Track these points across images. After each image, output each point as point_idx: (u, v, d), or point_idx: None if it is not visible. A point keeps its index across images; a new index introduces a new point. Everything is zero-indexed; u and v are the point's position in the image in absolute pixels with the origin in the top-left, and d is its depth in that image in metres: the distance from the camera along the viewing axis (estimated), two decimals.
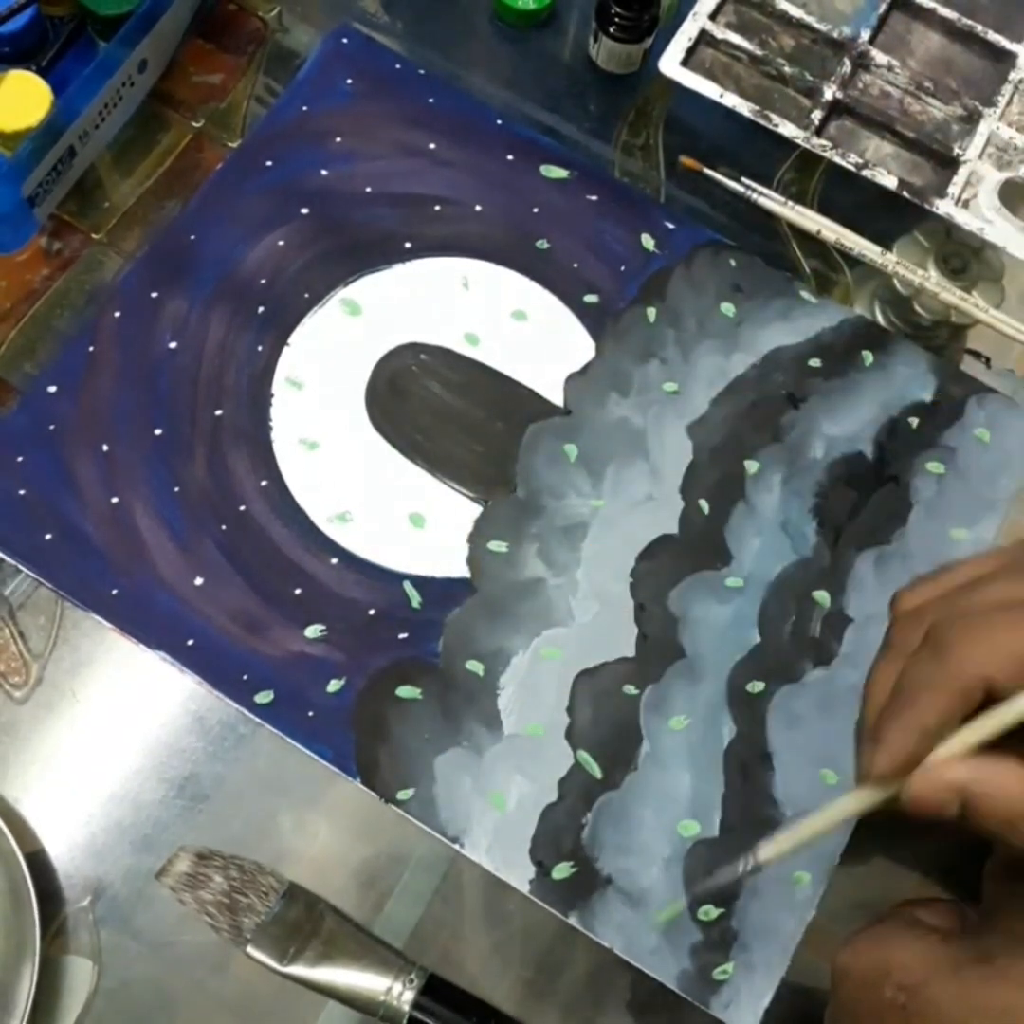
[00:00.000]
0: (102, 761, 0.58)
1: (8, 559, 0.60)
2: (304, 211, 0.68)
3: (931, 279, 0.70)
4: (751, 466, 0.65)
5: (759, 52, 0.73)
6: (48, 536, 0.60)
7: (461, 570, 0.62)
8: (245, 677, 0.59)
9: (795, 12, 0.74)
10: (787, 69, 0.73)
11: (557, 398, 0.66)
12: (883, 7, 0.75)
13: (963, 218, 0.70)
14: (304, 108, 0.70)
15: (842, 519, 0.64)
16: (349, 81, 0.71)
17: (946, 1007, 0.47)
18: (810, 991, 0.57)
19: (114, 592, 0.59)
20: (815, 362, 0.68)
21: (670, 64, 0.72)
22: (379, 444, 0.64)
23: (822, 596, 0.63)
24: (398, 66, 0.72)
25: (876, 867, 0.60)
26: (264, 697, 0.58)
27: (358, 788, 0.57)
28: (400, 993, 0.54)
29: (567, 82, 0.74)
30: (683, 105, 0.73)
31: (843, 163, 0.70)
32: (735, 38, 0.73)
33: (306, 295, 0.66)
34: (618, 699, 0.60)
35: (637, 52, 0.72)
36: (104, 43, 0.67)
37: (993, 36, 0.74)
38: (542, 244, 0.69)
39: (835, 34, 0.74)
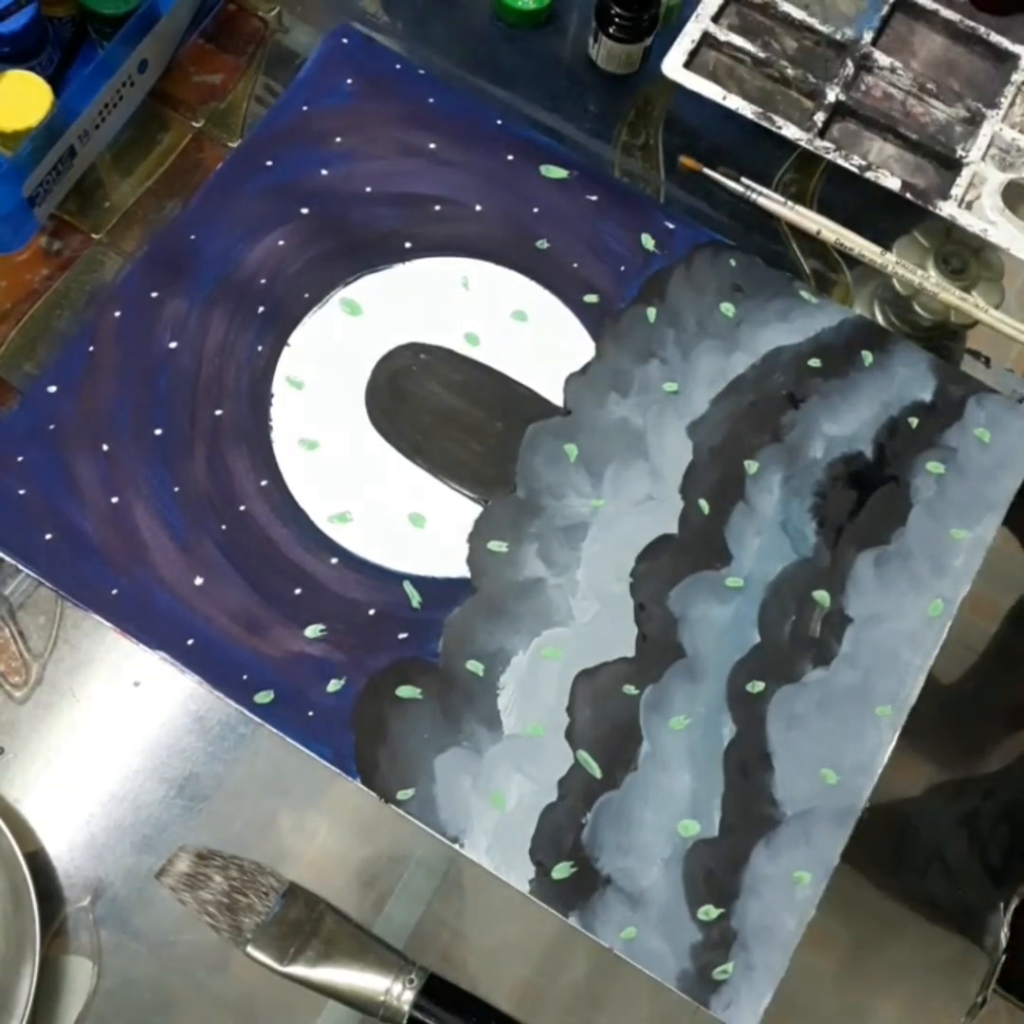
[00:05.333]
0: (102, 761, 0.58)
1: (8, 559, 0.60)
2: (304, 211, 0.68)
3: (931, 279, 0.70)
4: (751, 466, 0.65)
5: (762, 54, 0.73)
6: (48, 536, 0.60)
7: (461, 570, 0.62)
8: (245, 677, 0.59)
9: (798, 14, 0.74)
10: (790, 71, 0.73)
11: (557, 398, 0.66)
12: (885, 9, 0.75)
13: (966, 220, 0.70)
14: (304, 108, 0.70)
15: (842, 519, 0.64)
16: (349, 81, 0.71)
17: None
18: (810, 991, 0.57)
19: (114, 592, 0.59)
20: (815, 362, 0.68)
21: (673, 66, 0.72)
22: (379, 444, 0.64)
23: (822, 596, 0.63)
24: (398, 66, 0.72)
25: (876, 869, 0.60)
26: (264, 697, 0.58)
27: (358, 788, 0.57)
28: (400, 993, 0.54)
29: (567, 82, 0.74)
30: (683, 105, 0.73)
31: (846, 165, 0.70)
32: (738, 40, 0.73)
33: (306, 295, 0.66)
34: (618, 699, 0.60)
35: (637, 52, 0.72)
36: (105, 43, 0.67)
37: (995, 38, 0.74)
38: (542, 244, 0.69)
39: (838, 36, 0.74)
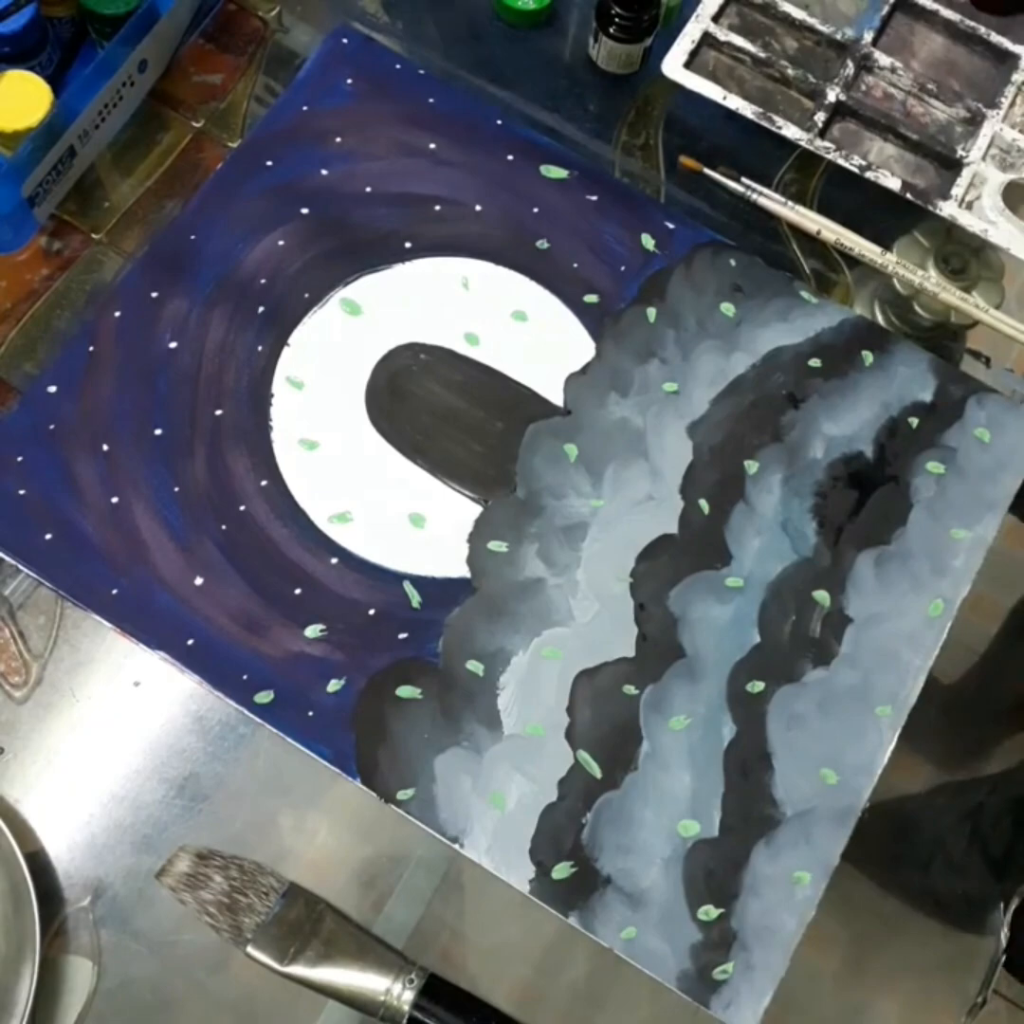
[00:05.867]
0: (102, 761, 0.58)
1: (8, 559, 0.60)
2: (304, 211, 0.68)
3: (931, 279, 0.70)
4: (751, 466, 0.65)
5: (762, 54, 0.73)
6: (48, 536, 0.60)
7: (461, 570, 0.62)
8: (245, 677, 0.59)
9: (798, 14, 0.74)
10: (790, 71, 0.73)
11: (557, 398, 0.66)
12: (886, 9, 0.75)
13: (966, 220, 0.70)
14: (304, 108, 0.70)
15: (842, 519, 0.64)
16: (349, 81, 0.71)
17: None
18: (810, 991, 0.57)
19: (114, 592, 0.59)
20: (815, 362, 0.68)
21: (673, 67, 0.72)
22: (379, 444, 0.64)
23: (822, 596, 0.63)
24: (398, 66, 0.72)
25: (876, 867, 0.60)
26: (264, 697, 0.58)
27: (358, 788, 0.57)
28: (400, 993, 0.54)
29: (567, 82, 0.74)
30: (683, 105, 0.73)
31: (847, 165, 0.70)
32: (738, 40, 0.73)
33: (306, 295, 0.66)
34: (618, 699, 0.60)
35: (637, 52, 0.72)
36: (104, 43, 0.67)
37: (996, 38, 0.74)
38: (542, 244, 0.69)
39: (838, 36, 0.74)
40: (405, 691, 0.59)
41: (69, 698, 0.59)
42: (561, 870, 0.57)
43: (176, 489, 0.62)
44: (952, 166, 0.72)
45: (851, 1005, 0.59)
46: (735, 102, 0.71)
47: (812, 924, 0.57)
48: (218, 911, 0.55)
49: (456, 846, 0.57)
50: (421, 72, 0.72)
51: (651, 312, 0.68)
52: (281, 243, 0.67)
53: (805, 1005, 0.58)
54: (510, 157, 0.70)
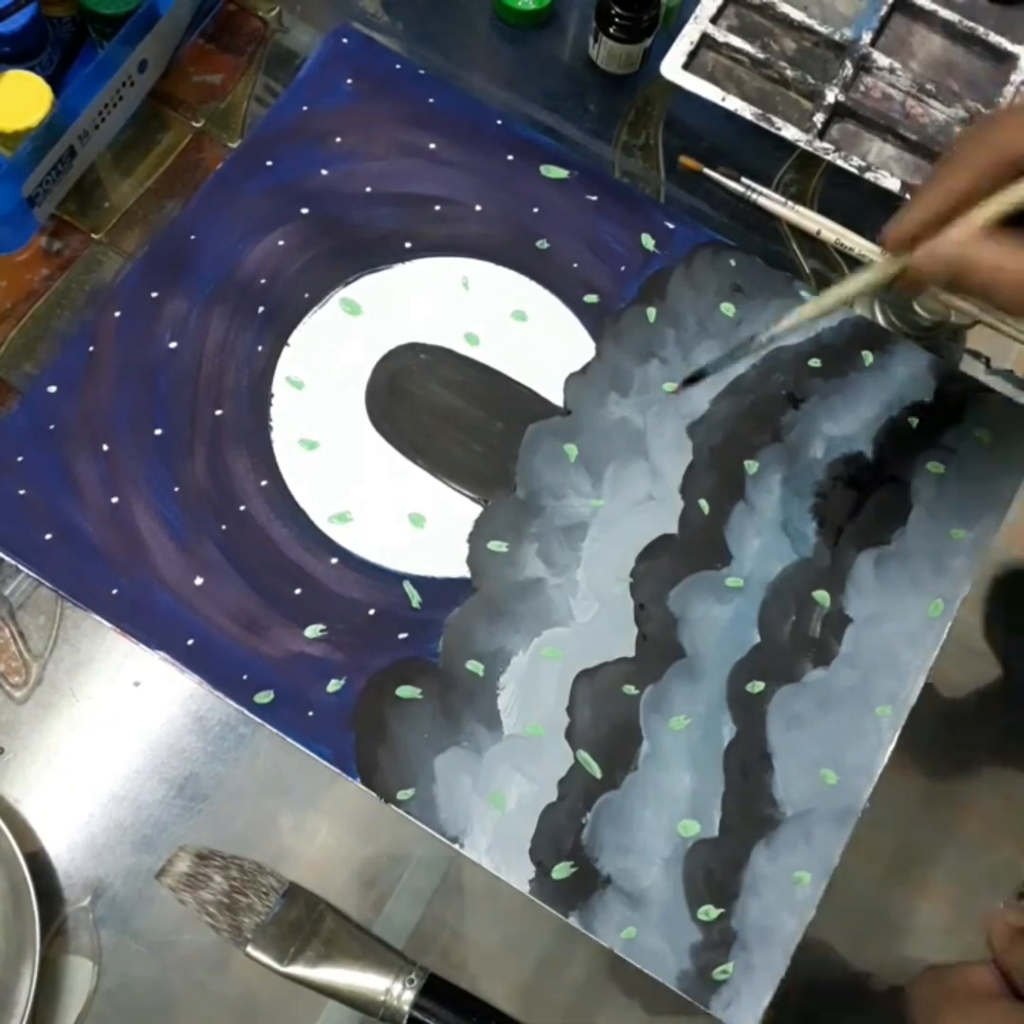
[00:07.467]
0: (102, 761, 0.58)
1: (8, 559, 0.60)
2: (304, 211, 0.68)
3: None
4: (751, 466, 0.65)
5: (761, 55, 0.73)
6: (48, 536, 0.60)
7: (461, 570, 0.62)
8: (245, 677, 0.59)
9: (796, 15, 0.74)
10: (789, 72, 0.73)
11: (557, 398, 0.66)
12: (884, 9, 0.75)
13: None
14: (304, 108, 0.70)
15: (842, 519, 0.64)
16: (349, 81, 0.71)
17: None
18: (810, 991, 0.57)
19: (114, 592, 0.59)
20: (815, 362, 0.68)
21: (672, 68, 0.72)
22: (379, 444, 0.64)
23: (822, 596, 0.63)
24: (398, 66, 0.72)
25: (876, 867, 0.60)
26: (264, 697, 0.58)
27: (358, 788, 0.57)
28: (400, 993, 0.54)
29: (567, 82, 0.74)
30: (683, 105, 0.73)
31: (846, 166, 0.70)
32: (737, 41, 0.73)
33: (306, 295, 0.66)
34: (618, 699, 0.60)
35: (637, 52, 0.72)
36: (105, 43, 0.67)
37: (994, 38, 0.74)
38: (542, 244, 0.69)
39: (836, 36, 0.74)
40: (405, 691, 0.59)
41: (69, 698, 0.59)
42: (561, 870, 0.57)
43: (176, 489, 0.62)
44: None
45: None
46: (734, 103, 0.71)
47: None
48: (218, 911, 0.55)
49: (456, 846, 0.57)
50: (421, 72, 0.72)
51: (651, 312, 0.68)
52: (281, 243, 0.67)
53: (805, 1005, 0.57)
54: (510, 157, 0.70)
